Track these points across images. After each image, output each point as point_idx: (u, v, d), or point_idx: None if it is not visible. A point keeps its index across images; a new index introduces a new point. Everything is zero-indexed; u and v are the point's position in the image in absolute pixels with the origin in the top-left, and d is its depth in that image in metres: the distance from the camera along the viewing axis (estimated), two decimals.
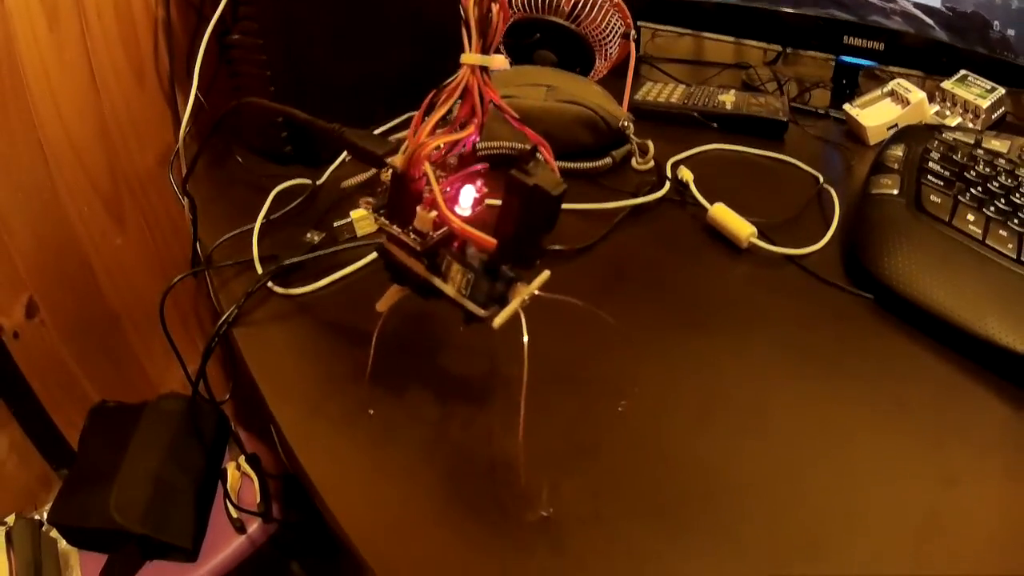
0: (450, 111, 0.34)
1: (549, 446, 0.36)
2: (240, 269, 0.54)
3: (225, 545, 0.76)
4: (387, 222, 0.36)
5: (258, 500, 0.77)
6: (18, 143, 0.69)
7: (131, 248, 0.80)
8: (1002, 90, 0.69)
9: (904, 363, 0.42)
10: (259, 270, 0.53)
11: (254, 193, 0.64)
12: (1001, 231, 0.48)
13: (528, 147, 0.32)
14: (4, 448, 0.75)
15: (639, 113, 0.71)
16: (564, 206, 0.60)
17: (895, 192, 0.53)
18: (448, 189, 0.35)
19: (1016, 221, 0.49)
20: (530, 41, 0.77)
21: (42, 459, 0.79)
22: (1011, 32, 0.71)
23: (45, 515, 0.77)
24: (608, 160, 0.64)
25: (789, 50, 0.99)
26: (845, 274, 0.51)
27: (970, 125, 0.70)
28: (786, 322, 0.46)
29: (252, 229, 0.58)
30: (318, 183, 0.65)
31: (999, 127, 0.71)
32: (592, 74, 0.79)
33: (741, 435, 0.37)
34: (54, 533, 0.77)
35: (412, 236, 0.35)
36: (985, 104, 0.68)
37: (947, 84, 0.72)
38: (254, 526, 0.77)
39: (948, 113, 0.72)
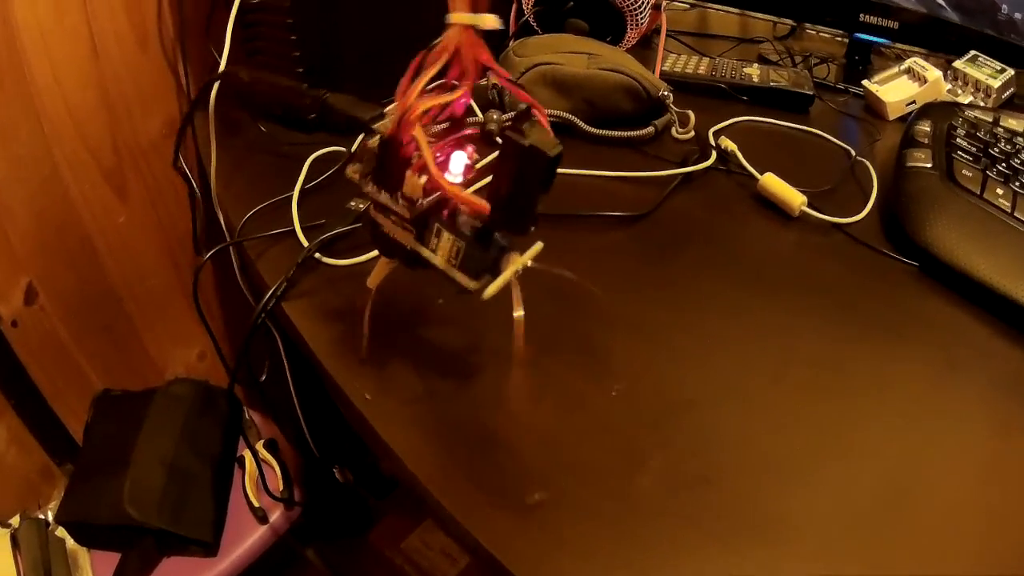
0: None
1: (646, 407, 0.43)
2: (274, 240, 0.57)
3: (247, 536, 0.80)
4: (375, 188, 0.38)
5: (280, 487, 0.81)
6: (15, 115, 0.72)
7: (135, 225, 0.83)
8: (1011, 71, 0.80)
9: (951, 326, 0.52)
10: (303, 240, 0.56)
11: (279, 163, 0.68)
12: None
13: (523, 107, 0.34)
14: (3, 440, 0.78)
15: (669, 84, 0.79)
16: (615, 173, 0.67)
17: (928, 166, 0.63)
18: (438, 155, 0.36)
19: None
20: (564, 9, 0.84)
21: (43, 451, 0.81)
22: (1018, 15, 0.83)
23: (51, 514, 0.79)
24: (651, 129, 0.73)
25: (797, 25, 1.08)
26: (888, 242, 0.61)
27: (981, 104, 0.81)
28: (841, 286, 0.56)
29: (290, 197, 0.61)
30: (353, 150, 0.68)
31: (1008, 107, 0.82)
32: (622, 43, 0.87)
33: (817, 391, 0.46)
34: (61, 532, 0.79)
35: (401, 203, 0.37)
36: (996, 84, 0.79)
37: (959, 64, 0.83)
38: (276, 515, 0.81)
39: (960, 92, 0.83)
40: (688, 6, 1.15)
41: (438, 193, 0.36)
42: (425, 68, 0.35)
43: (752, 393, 0.45)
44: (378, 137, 0.38)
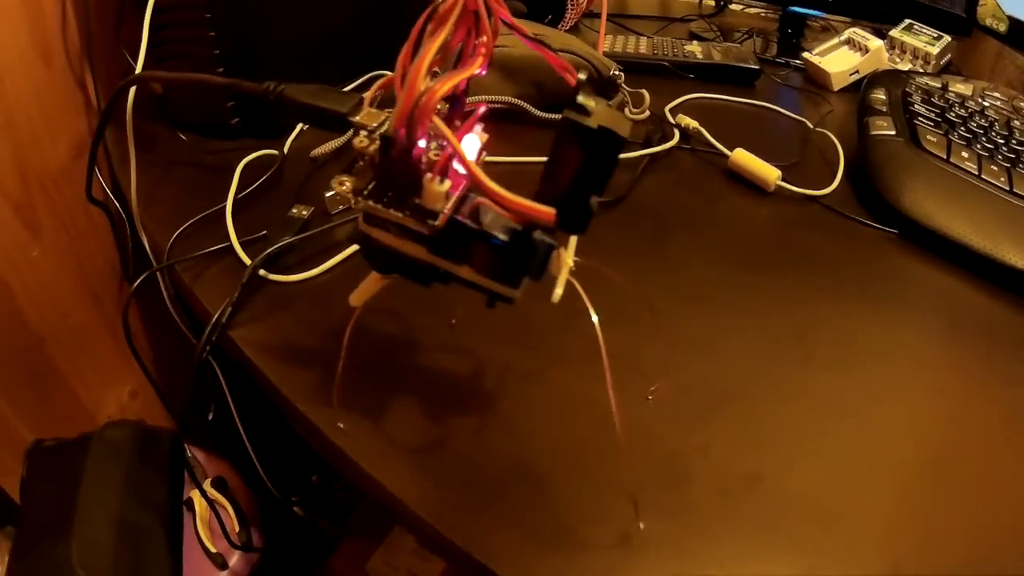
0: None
1: (678, 409, 0.40)
2: (209, 260, 0.50)
3: None
4: (378, 206, 0.30)
5: (237, 529, 0.74)
6: None
7: (50, 259, 0.74)
8: (948, 38, 0.81)
9: (944, 289, 0.52)
10: (243, 256, 0.50)
11: (205, 174, 0.62)
12: (992, 166, 0.59)
13: (583, 74, 0.27)
14: None
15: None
16: None
17: (892, 133, 0.63)
18: (445, 144, 0.29)
19: (1000, 157, 0.60)
20: None
21: None
22: None
23: None
24: None
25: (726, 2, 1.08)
26: (864, 210, 0.60)
27: (920, 70, 0.82)
28: (832, 258, 0.55)
29: (222, 210, 0.54)
30: (285, 152, 0.63)
31: (946, 72, 0.83)
32: (560, 25, 0.83)
33: (838, 367, 0.44)
34: None
35: (417, 218, 0.29)
36: (935, 51, 0.80)
37: (896, 32, 0.84)
38: (235, 559, 0.75)
39: (898, 60, 0.83)
40: None
41: (456, 196, 0.30)
42: (429, 35, 0.28)
43: (781, 377, 0.43)
44: (369, 136, 0.30)
